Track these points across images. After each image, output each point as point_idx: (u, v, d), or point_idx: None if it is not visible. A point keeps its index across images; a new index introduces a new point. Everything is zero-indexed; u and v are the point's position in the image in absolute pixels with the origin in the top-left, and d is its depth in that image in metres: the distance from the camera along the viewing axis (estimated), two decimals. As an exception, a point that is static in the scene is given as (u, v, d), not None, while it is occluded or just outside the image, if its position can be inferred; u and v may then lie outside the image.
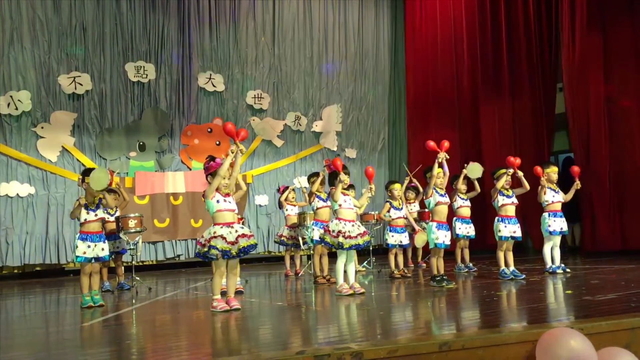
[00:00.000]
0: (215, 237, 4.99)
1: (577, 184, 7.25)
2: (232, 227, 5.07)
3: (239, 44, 11.78)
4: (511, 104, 11.25)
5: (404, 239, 7.60)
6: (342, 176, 5.95)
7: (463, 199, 7.70)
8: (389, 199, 7.71)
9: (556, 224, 7.05)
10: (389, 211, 7.62)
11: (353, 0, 13.15)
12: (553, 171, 7.23)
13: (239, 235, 5.04)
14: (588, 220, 9.79)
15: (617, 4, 9.52)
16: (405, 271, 7.62)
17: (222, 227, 5.04)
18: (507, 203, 6.92)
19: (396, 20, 13.57)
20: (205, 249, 4.99)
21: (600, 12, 9.75)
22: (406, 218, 7.82)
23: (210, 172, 5.18)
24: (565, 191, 7.30)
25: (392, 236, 7.55)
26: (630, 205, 9.32)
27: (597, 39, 9.71)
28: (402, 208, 7.72)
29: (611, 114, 9.58)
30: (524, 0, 11.08)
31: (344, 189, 6.08)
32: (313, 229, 7.29)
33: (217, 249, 4.94)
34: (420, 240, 7.35)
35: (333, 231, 5.90)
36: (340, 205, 5.97)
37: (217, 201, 5.09)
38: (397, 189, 7.76)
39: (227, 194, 5.17)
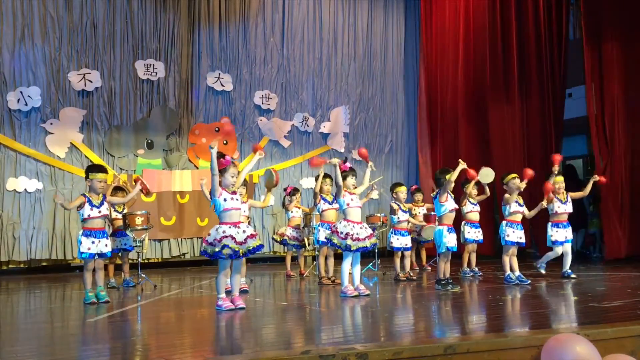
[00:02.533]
0: (226, 236, 4.98)
1: (595, 177, 7.29)
2: (239, 227, 5.07)
3: (248, 43, 11.80)
4: (520, 109, 11.18)
5: (409, 241, 7.60)
6: (348, 181, 6.02)
7: (473, 203, 7.68)
8: (396, 201, 7.70)
9: (559, 234, 7.05)
10: (396, 212, 7.61)
11: (363, 2, 13.14)
12: (559, 181, 7.21)
13: (247, 236, 5.05)
14: (605, 226, 9.72)
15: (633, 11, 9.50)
16: (411, 274, 7.60)
17: (230, 227, 5.03)
18: (518, 210, 6.93)
19: (406, 23, 13.53)
20: (217, 249, 4.97)
21: (614, 18, 9.73)
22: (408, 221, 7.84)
23: (220, 169, 5.12)
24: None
25: (397, 239, 7.53)
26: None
27: (617, 43, 9.70)
28: (406, 211, 7.72)
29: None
30: (534, 6, 11.04)
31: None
32: (319, 230, 7.29)
33: (229, 247, 4.94)
34: (429, 233, 7.34)
35: (341, 233, 5.89)
36: (347, 204, 5.98)
37: (225, 199, 5.07)
38: (403, 191, 7.75)
39: (234, 192, 5.17)
